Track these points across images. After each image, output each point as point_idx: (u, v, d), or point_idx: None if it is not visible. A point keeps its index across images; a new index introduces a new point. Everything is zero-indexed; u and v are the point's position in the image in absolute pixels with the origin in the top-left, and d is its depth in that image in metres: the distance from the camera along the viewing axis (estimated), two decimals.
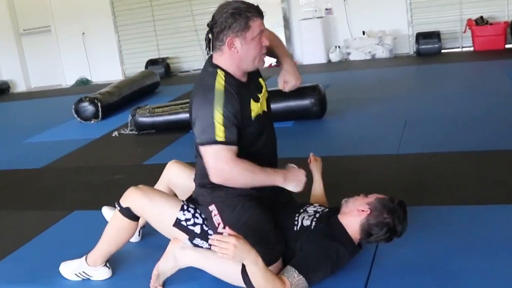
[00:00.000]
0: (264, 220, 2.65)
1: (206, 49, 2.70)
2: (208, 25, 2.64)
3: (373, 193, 2.74)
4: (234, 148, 2.56)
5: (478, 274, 2.60)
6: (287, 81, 2.90)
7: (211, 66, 2.67)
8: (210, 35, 2.65)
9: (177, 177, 3.09)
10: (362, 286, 2.60)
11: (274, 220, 2.71)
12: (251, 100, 2.68)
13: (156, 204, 2.71)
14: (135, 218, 2.77)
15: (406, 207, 2.69)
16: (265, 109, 2.79)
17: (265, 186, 2.71)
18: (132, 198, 2.74)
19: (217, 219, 2.68)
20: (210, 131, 2.54)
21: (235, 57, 2.61)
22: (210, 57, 2.72)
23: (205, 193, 2.74)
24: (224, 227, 2.63)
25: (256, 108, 2.70)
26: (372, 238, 2.67)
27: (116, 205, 2.79)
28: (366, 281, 2.64)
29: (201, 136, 2.58)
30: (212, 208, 2.70)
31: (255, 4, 2.62)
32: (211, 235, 2.70)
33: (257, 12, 2.60)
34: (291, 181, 2.69)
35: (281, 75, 2.92)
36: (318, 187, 3.22)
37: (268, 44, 2.66)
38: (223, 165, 2.55)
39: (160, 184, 3.13)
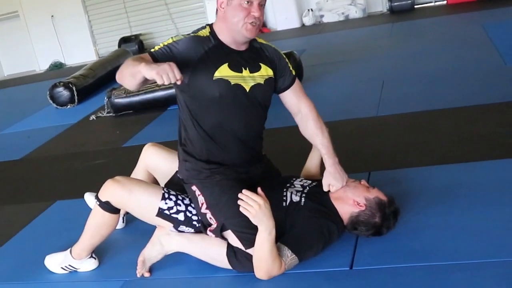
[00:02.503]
0: None
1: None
2: None
3: (376, 188, 2.68)
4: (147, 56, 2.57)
5: (465, 230, 2.61)
6: (332, 185, 2.73)
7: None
8: None
9: (154, 161, 3.03)
10: (350, 254, 2.60)
11: None
12: (225, 64, 2.59)
13: (136, 195, 2.66)
14: (116, 211, 2.73)
15: (398, 216, 2.66)
16: (246, 89, 2.64)
17: (237, 161, 2.70)
18: (111, 192, 2.68)
19: (200, 199, 2.65)
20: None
21: (223, 18, 2.59)
22: None
23: (182, 168, 2.73)
24: (207, 208, 2.61)
25: (226, 72, 2.59)
26: (355, 232, 2.65)
27: (95, 199, 2.75)
28: (354, 248, 2.64)
29: None
30: (194, 188, 2.67)
31: None
32: (195, 220, 2.70)
33: None
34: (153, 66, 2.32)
35: (325, 177, 2.75)
36: (315, 159, 3.07)
37: (258, 15, 2.56)
38: (124, 64, 2.57)
39: (138, 170, 3.09)
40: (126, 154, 4.76)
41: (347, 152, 3.60)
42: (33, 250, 3.31)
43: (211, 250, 2.63)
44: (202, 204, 2.64)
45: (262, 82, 2.70)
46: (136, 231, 3.19)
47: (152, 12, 11.30)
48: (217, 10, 2.64)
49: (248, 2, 2.54)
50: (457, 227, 2.67)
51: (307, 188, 2.75)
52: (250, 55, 2.69)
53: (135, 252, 2.81)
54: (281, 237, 2.52)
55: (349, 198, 2.64)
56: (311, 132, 2.82)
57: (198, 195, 2.66)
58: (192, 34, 2.65)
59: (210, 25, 2.69)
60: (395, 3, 9.72)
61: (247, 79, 2.65)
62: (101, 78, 7.85)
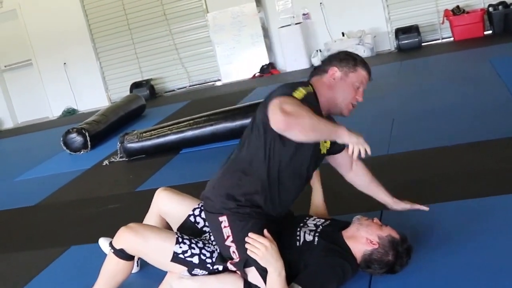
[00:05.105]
0: None
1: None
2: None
3: (388, 226, 2.69)
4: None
5: (479, 267, 2.60)
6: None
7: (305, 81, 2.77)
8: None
9: (166, 205, 3.03)
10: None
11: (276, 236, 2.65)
12: None
13: (151, 242, 2.68)
14: (130, 258, 2.74)
15: (412, 253, 2.67)
16: (313, 153, 2.74)
17: (279, 209, 2.71)
18: (125, 239, 2.70)
19: (227, 231, 2.62)
20: (288, 91, 2.55)
21: (330, 87, 2.72)
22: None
23: (217, 199, 2.68)
24: (232, 241, 2.60)
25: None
26: (368, 270, 2.66)
27: (110, 247, 2.76)
28: (368, 287, 2.64)
29: (274, 97, 2.51)
30: (223, 219, 2.63)
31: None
32: (209, 263, 2.69)
33: (369, 69, 2.74)
34: (354, 135, 2.51)
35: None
36: (318, 197, 3.17)
37: (361, 101, 2.73)
38: (289, 106, 2.40)
39: (151, 214, 3.09)
40: (139, 199, 4.78)
41: (358, 191, 3.62)
42: None
43: None
44: (228, 237, 2.62)
45: (325, 152, 2.86)
46: (151, 275, 3.18)
47: (163, 57, 11.45)
48: (321, 72, 2.77)
49: (358, 85, 2.71)
50: (471, 264, 2.66)
51: (320, 227, 2.76)
52: None
53: None
54: (295, 277, 2.53)
55: (362, 237, 2.65)
56: (373, 185, 3.11)
57: (225, 227, 2.62)
58: (306, 89, 2.64)
59: (312, 85, 2.73)
60: (403, 41, 9.81)
61: (324, 144, 2.80)
62: (113, 123, 7.95)
